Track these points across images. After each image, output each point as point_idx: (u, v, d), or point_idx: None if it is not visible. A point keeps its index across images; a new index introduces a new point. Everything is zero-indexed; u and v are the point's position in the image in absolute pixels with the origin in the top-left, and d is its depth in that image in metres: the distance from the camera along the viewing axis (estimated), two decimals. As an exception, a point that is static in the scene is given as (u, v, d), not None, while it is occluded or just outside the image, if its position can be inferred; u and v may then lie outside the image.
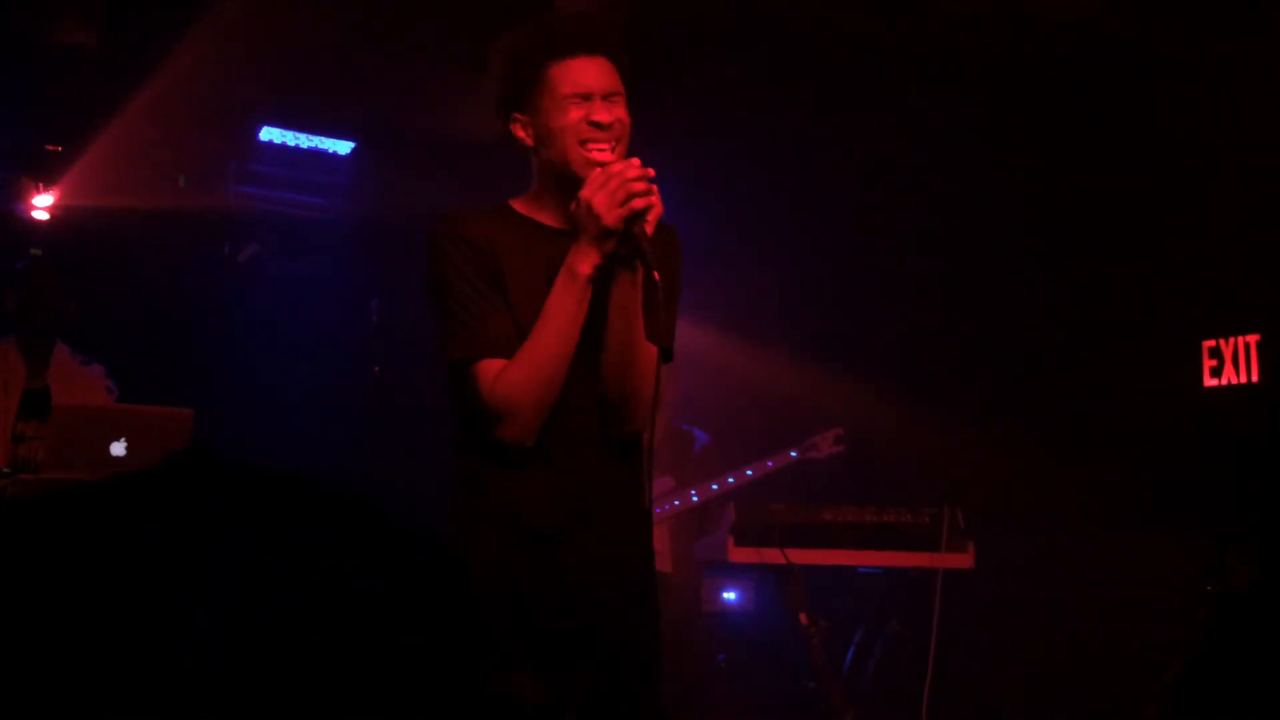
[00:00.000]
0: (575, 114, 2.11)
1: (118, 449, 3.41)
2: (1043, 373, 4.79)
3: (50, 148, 4.90)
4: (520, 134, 2.18)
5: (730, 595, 4.78)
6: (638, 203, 2.02)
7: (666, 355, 2.21)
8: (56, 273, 4.13)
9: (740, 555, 4.08)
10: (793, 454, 4.59)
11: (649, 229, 2.04)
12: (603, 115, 2.11)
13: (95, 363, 4.19)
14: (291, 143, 5.16)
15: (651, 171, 2.06)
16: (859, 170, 5.03)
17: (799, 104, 4.75)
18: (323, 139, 5.18)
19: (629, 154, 2.12)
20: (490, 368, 2.10)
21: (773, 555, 4.04)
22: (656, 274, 1.99)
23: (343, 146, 5.23)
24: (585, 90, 2.12)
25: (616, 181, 2.02)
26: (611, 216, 2.02)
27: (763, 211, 5.29)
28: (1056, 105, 4.56)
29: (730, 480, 4.56)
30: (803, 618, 4.05)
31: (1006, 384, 4.89)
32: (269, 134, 5.13)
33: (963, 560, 4.10)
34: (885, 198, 5.04)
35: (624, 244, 2.05)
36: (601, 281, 2.10)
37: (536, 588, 2.10)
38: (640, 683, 2.17)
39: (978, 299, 5.00)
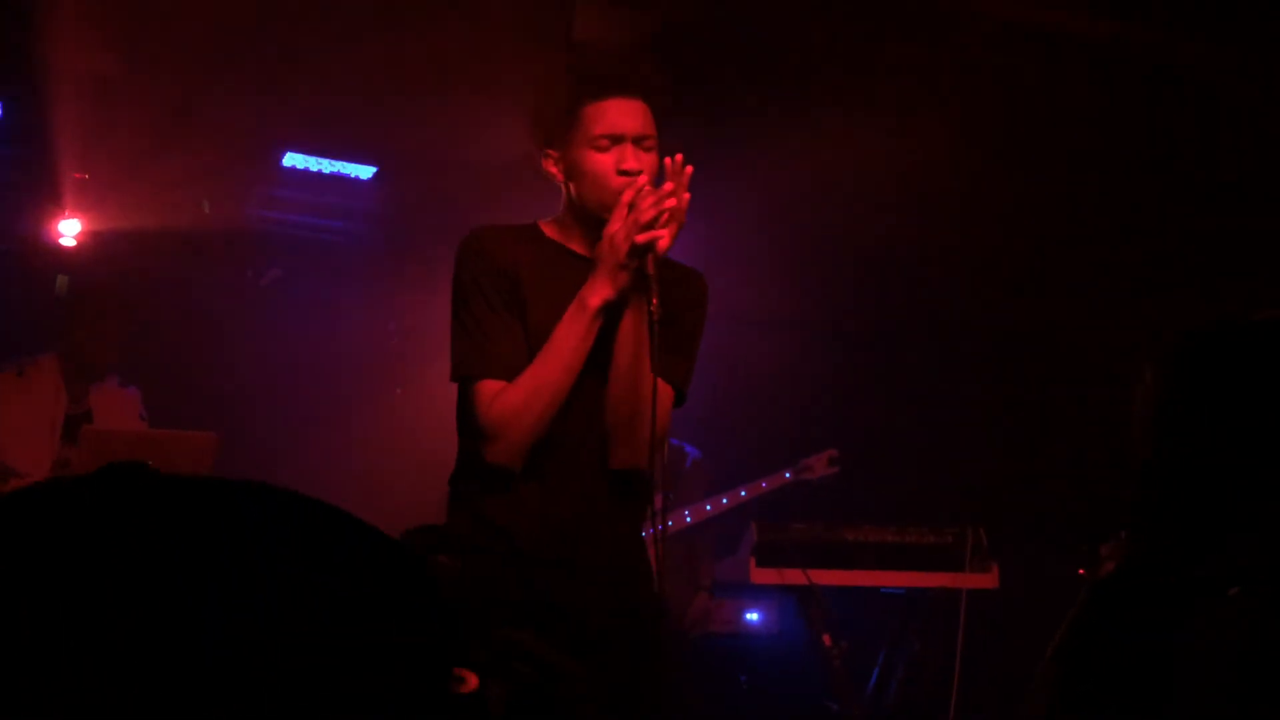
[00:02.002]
0: (605, 160, 2.13)
1: (143, 473, 3.43)
2: (1065, 390, 4.77)
3: (76, 175, 4.96)
4: (552, 169, 2.21)
5: (752, 616, 4.77)
6: (641, 237, 2.05)
7: (679, 399, 2.22)
8: (116, 315, 4.19)
9: (762, 576, 4.07)
10: (786, 475, 4.58)
11: (662, 245, 2.05)
12: (632, 163, 2.12)
13: (131, 386, 4.24)
14: (314, 168, 5.21)
15: (670, 187, 2.07)
16: (873, 180, 5.03)
17: (812, 118, 4.76)
18: (344, 164, 5.23)
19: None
20: (490, 388, 2.12)
21: (794, 576, 4.03)
22: (656, 296, 2.00)
23: (364, 171, 5.28)
24: (617, 133, 2.13)
25: (630, 218, 2.06)
26: (625, 246, 2.05)
27: (775, 219, 5.29)
28: (1082, 123, 4.56)
29: (724, 500, 4.54)
30: (825, 638, 4.04)
31: (1028, 401, 4.87)
32: (292, 159, 5.18)
33: (986, 580, 4.08)
34: (909, 208, 5.04)
35: (635, 274, 2.07)
36: (613, 315, 2.11)
37: (526, 612, 2.10)
38: (634, 708, 2.16)
39: (1001, 315, 4.99)
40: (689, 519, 4.54)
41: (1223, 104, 4.19)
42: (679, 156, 2.10)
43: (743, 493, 4.55)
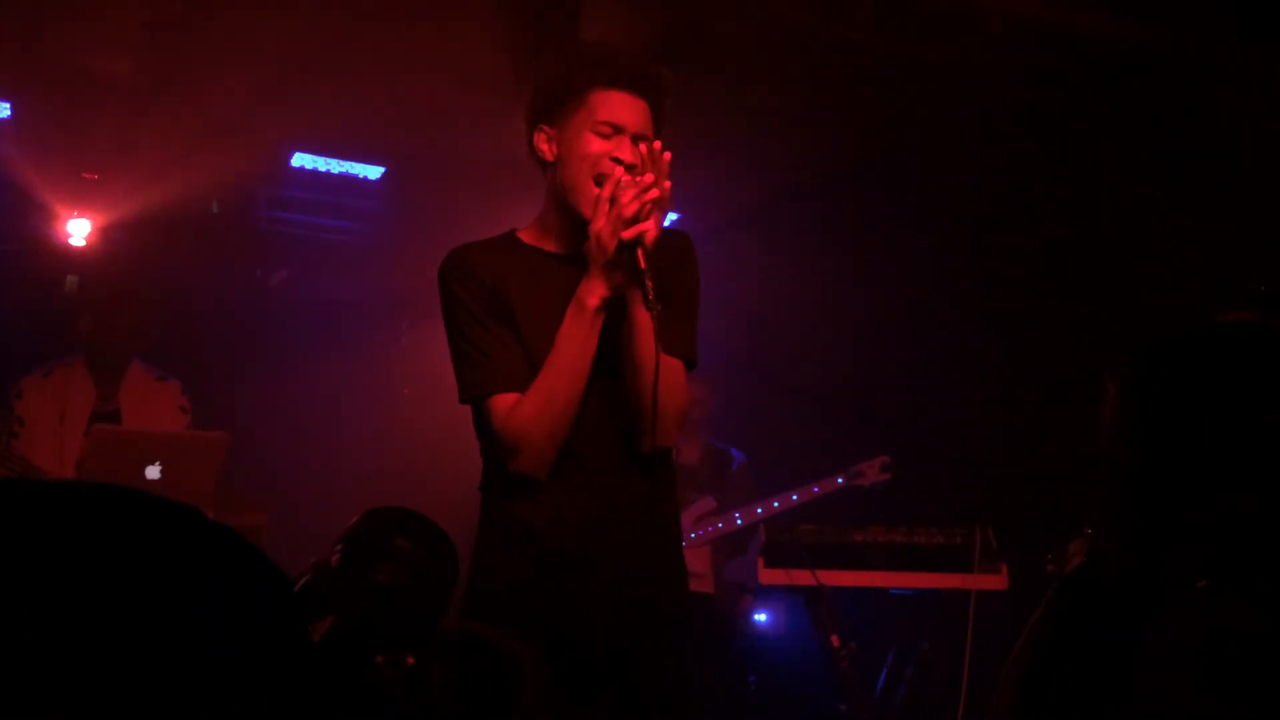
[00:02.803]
0: (600, 146, 2.13)
1: (152, 473, 3.44)
2: (1076, 390, 4.75)
3: (86, 175, 4.97)
4: (542, 146, 2.20)
5: (761, 617, 4.76)
6: (628, 232, 2.04)
7: (689, 364, 2.21)
8: (133, 302, 4.18)
9: (770, 577, 4.07)
10: (839, 480, 4.58)
11: (649, 239, 2.05)
12: (626, 154, 2.12)
13: (171, 379, 4.21)
14: (323, 168, 5.22)
15: (651, 179, 2.07)
16: (890, 186, 5.03)
17: (836, 123, 4.75)
18: (353, 164, 5.24)
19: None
20: (502, 402, 2.13)
21: (803, 576, 4.03)
22: (651, 292, 2.00)
23: (373, 171, 5.28)
24: (619, 124, 2.14)
25: (614, 212, 2.05)
26: (613, 244, 2.05)
27: (791, 226, 5.29)
28: (1095, 123, 4.54)
29: (775, 504, 4.55)
30: (834, 639, 4.03)
31: (1039, 401, 4.85)
32: (300, 160, 5.19)
33: (996, 581, 4.07)
34: (916, 213, 5.03)
35: (627, 268, 2.07)
36: (615, 310, 2.11)
37: (555, 611, 2.10)
38: (663, 704, 2.15)
39: (1013, 315, 4.98)
40: (739, 521, 4.55)
41: (1224, 103, 4.18)
42: (657, 144, 2.10)
43: (794, 496, 4.56)
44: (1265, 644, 1.19)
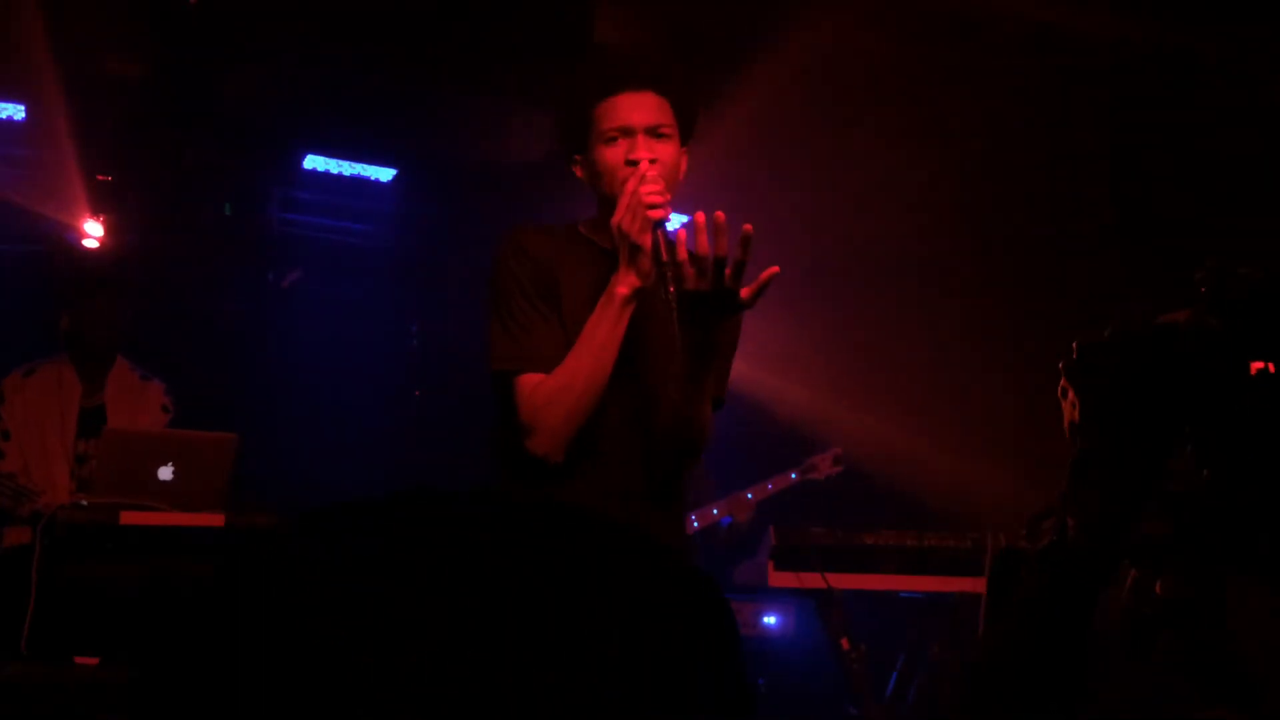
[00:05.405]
0: (615, 153, 2.17)
1: (165, 473, 3.46)
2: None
3: (100, 177, 4.99)
4: (580, 174, 2.26)
5: (770, 619, 4.76)
6: (653, 214, 2.08)
7: (717, 404, 2.25)
8: (109, 291, 4.21)
9: (780, 579, 4.06)
10: (793, 475, 4.59)
11: (681, 250, 2.05)
12: (640, 152, 2.15)
13: (155, 379, 4.24)
14: (335, 170, 5.24)
15: (659, 186, 2.11)
16: (888, 187, 5.02)
17: (825, 122, 4.75)
18: (365, 166, 5.25)
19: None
20: (529, 381, 2.16)
21: (813, 579, 4.02)
22: (670, 282, 2.04)
23: (384, 173, 5.30)
24: (626, 125, 2.17)
25: (632, 200, 2.09)
26: (632, 230, 2.09)
27: (790, 225, 5.28)
28: (1104, 123, 4.53)
29: (727, 503, 4.55)
30: (844, 643, 4.03)
31: (1049, 404, 4.84)
32: (312, 162, 5.21)
33: (1006, 585, 4.06)
34: (919, 212, 5.02)
35: (655, 259, 2.10)
36: (646, 301, 2.15)
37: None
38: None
39: (1021, 319, 4.96)
40: (696, 524, 4.54)
41: (1227, 101, 4.17)
42: (719, 215, 2.08)
43: (749, 495, 4.55)
44: (1196, 611, 1.36)
